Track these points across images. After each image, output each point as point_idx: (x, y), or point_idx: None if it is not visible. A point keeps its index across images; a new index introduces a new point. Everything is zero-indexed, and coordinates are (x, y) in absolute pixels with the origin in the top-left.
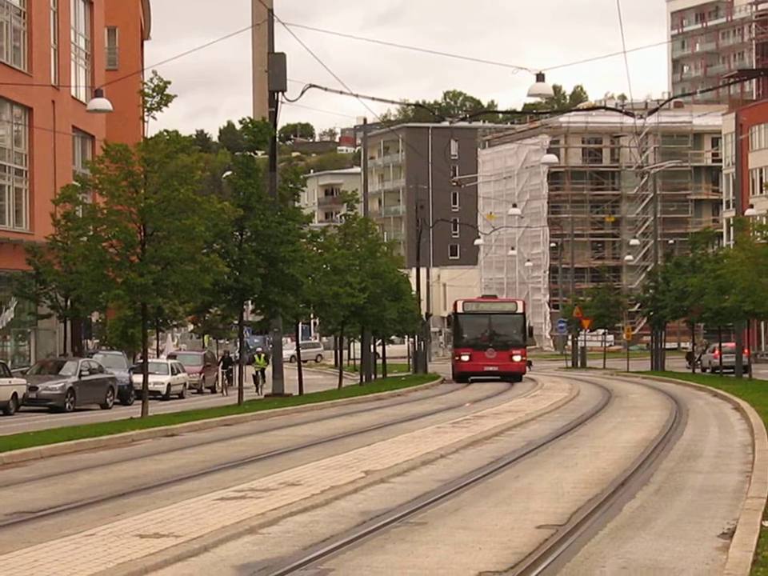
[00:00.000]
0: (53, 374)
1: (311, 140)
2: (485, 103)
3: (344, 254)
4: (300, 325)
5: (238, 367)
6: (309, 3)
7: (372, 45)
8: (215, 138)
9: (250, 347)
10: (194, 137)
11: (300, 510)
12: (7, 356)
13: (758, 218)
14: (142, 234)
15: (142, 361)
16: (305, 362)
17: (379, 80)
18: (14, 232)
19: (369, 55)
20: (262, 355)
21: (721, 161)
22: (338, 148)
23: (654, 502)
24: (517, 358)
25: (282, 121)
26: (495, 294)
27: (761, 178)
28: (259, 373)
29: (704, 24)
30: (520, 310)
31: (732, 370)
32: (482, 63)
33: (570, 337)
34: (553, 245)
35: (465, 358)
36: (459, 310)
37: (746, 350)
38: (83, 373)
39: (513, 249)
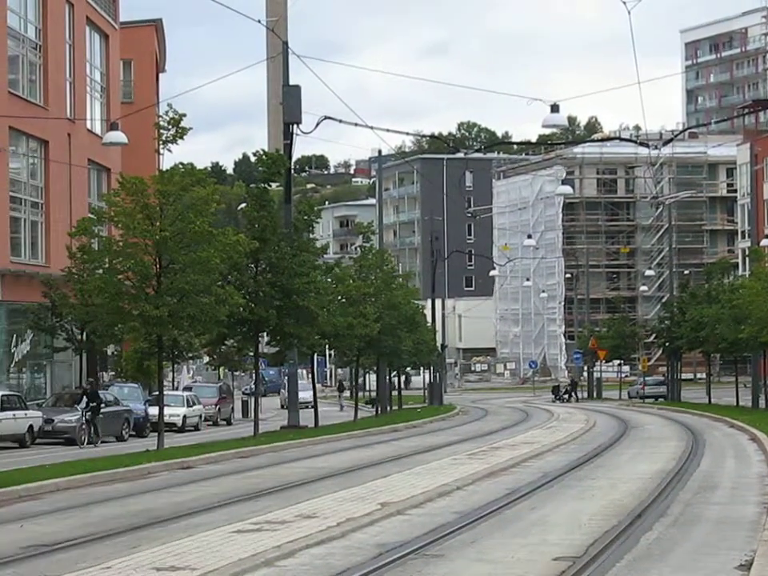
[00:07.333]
0: (68, 407)
1: (326, 172)
2: (499, 134)
3: (358, 285)
4: (315, 356)
5: (254, 399)
6: (359, 35)
7: (413, 76)
8: (230, 171)
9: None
10: (210, 169)
11: (316, 542)
12: (23, 388)
13: None
14: (158, 266)
15: (157, 393)
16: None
17: (417, 111)
18: (30, 265)
19: (409, 87)
20: None
21: (736, 191)
22: (353, 180)
23: (671, 533)
24: None
25: (297, 153)
26: None
27: None
28: None
29: (718, 54)
30: None
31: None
32: (515, 95)
33: (585, 368)
34: (568, 276)
35: None
36: None
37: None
38: None
39: (528, 280)
